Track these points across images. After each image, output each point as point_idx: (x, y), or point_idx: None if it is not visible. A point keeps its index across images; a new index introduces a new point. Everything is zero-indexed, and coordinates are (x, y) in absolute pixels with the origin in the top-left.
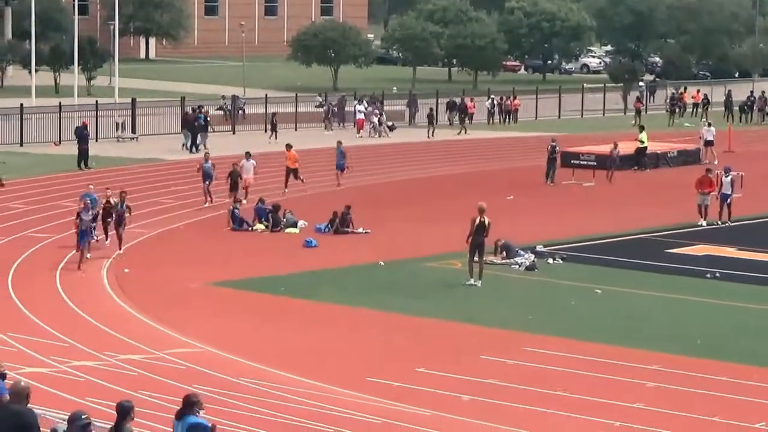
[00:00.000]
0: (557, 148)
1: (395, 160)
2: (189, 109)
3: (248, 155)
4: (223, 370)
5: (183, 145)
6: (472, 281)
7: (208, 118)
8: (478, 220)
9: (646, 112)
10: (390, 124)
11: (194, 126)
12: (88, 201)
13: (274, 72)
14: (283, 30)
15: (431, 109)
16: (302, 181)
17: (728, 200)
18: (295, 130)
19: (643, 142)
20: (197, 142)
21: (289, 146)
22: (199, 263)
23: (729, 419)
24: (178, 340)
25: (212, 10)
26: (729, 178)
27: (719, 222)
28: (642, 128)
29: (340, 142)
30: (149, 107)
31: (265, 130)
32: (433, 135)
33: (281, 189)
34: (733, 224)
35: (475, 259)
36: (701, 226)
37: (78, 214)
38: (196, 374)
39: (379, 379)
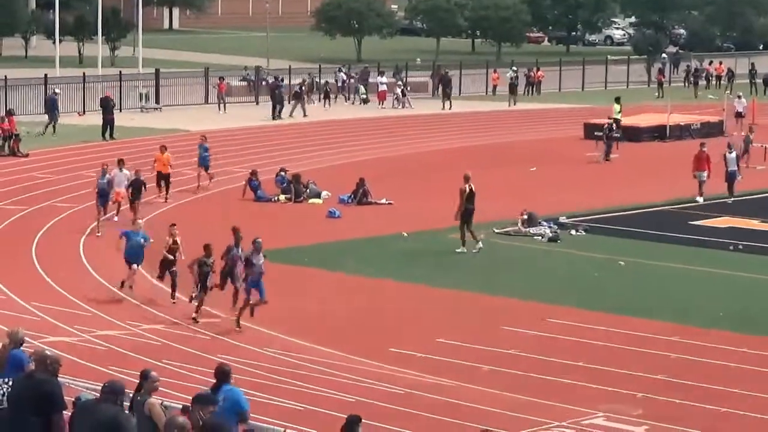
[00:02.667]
0: (613, 127)
1: (419, 130)
2: (271, 78)
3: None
4: (247, 341)
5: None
6: (464, 249)
7: (303, 87)
8: (467, 189)
9: (669, 84)
10: (365, 96)
11: (275, 94)
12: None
13: (297, 43)
14: (306, 1)
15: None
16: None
17: (736, 176)
18: (319, 101)
19: (618, 114)
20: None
21: (164, 148)
22: (222, 233)
23: (750, 391)
24: (202, 309)
25: None
26: (733, 154)
27: (730, 200)
28: (617, 100)
29: (204, 137)
30: (173, 78)
31: (288, 101)
32: (450, 107)
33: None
34: (749, 197)
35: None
36: (697, 202)
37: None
38: (221, 344)
39: (402, 349)
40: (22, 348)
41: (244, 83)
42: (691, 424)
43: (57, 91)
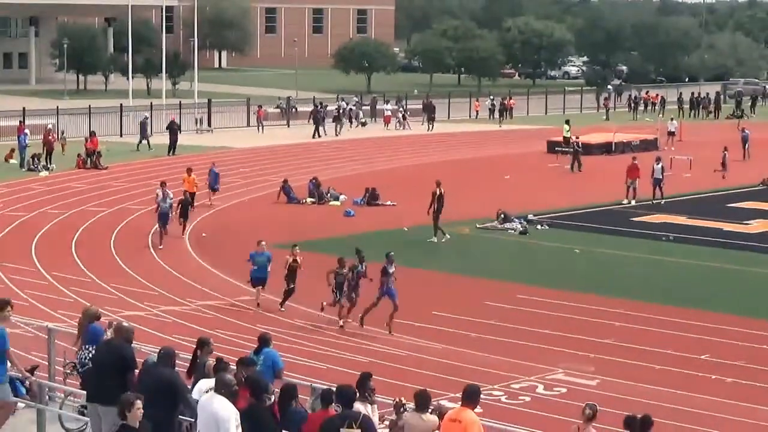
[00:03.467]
0: (580, 144)
1: (416, 147)
2: (317, 104)
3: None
4: (282, 314)
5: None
6: (434, 239)
7: (345, 110)
8: (438, 192)
9: (614, 109)
10: (363, 120)
11: (317, 117)
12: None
13: (320, 78)
14: (327, 45)
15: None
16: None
17: (660, 184)
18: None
19: (567, 133)
20: (320, 130)
21: (189, 170)
22: (263, 229)
23: (680, 351)
24: (246, 290)
25: (271, 29)
26: (660, 165)
27: (653, 202)
28: (567, 122)
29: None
30: (222, 106)
31: (308, 121)
32: (432, 129)
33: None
34: (678, 198)
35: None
36: (627, 204)
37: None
38: (261, 317)
39: (404, 320)
40: (99, 322)
41: (278, 110)
42: (634, 378)
43: (146, 115)
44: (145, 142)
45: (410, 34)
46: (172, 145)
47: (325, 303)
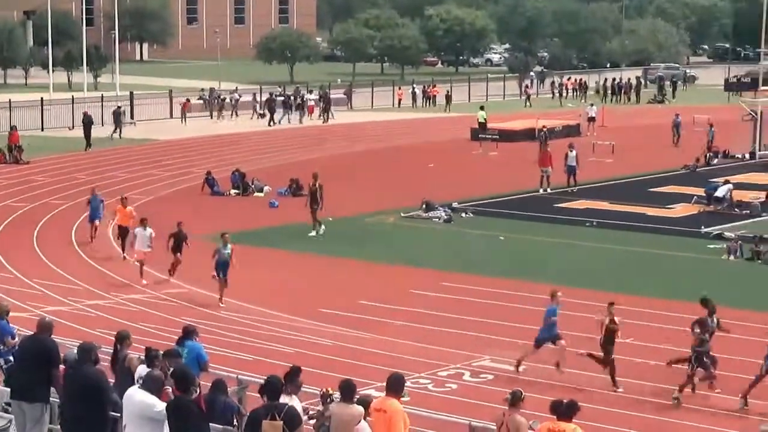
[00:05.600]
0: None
1: (340, 137)
2: (269, 94)
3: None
4: (207, 306)
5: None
6: (314, 233)
7: (299, 100)
8: (316, 185)
9: (537, 95)
10: (261, 112)
11: (271, 106)
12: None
13: (242, 69)
14: (249, 35)
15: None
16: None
17: (575, 171)
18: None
19: (483, 119)
20: (275, 118)
21: (125, 200)
22: (187, 222)
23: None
24: (172, 282)
25: (193, 20)
26: (574, 153)
27: (570, 189)
28: (482, 107)
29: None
30: (144, 98)
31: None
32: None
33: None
34: (601, 184)
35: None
36: (540, 193)
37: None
38: (186, 309)
39: (330, 309)
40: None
41: (201, 101)
42: (562, 363)
43: (120, 105)
44: (118, 131)
45: (332, 24)
46: (87, 139)
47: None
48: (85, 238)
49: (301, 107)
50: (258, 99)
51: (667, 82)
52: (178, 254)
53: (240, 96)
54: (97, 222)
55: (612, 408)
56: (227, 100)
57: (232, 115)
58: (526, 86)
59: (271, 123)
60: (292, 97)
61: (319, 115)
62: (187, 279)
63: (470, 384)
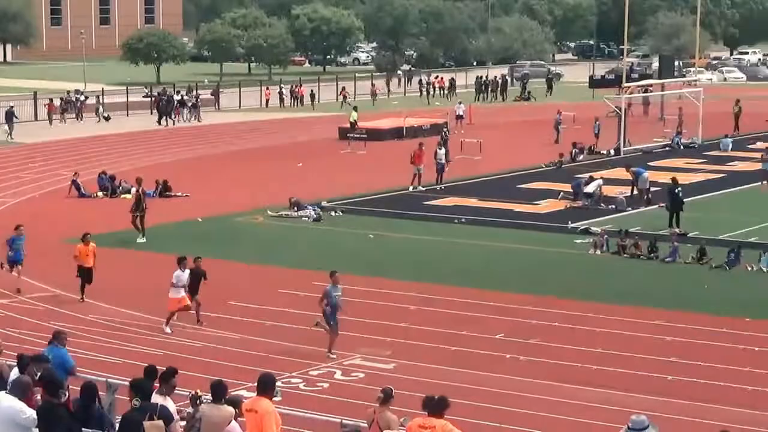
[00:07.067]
0: (447, 132)
1: (207, 138)
2: (157, 94)
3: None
4: (75, 310)
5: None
6: (143, 239)
7: (192, 101)
8: (142, 190)
9: (405, 94)
10: (106, 115)
11: (159, 107)
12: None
13: (108, 70)
14: (115, 36)
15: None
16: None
17: (443, 168)
18: (127, 116)
19: (353, 119)
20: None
21: (87, 239)
22: (53, 224)
23: (475, 332)
24: (38, 286)
25: (57, 21)
26: (443, 150)
27: (438, 187)
28: (355, 108)
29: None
30: (7, 100)
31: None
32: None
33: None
34: (469, 181)
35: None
36: (410, 190)
37: None
38: (55, 313)
39: (193, 311)
40: None
41: (67, 104)
42: (431, 360)
43: (11, 104)
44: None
45: (198, 24)
46: None
47: None
48: None
49: (194, 106)
50: (101, 101)
51: (534, 80)
52: (197, 296)
53: (86, 97)
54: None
55: (484, 403)
56: (74, 101)
57: (77, 117)
58: (387, 82)
59: (163, 123)
60: (184, 97)
61: (191, 117)
62: (54, 283)
63: (341, 383)
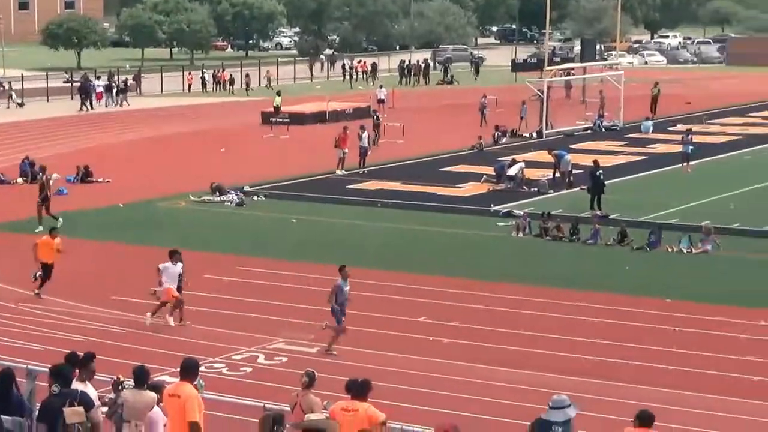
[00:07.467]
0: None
1: (130, 123)
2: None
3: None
4: (3, 299)
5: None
6: (41, 228)
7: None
8: (46, 177)
9: (328, 78)
10: (20, 101)
11: (86, 90)
12: None
13: (28, 55)
14: (34, 21)
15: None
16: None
17: (366, 152)
18: (47, 101)
19: (278, 104)
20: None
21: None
22: None
23: (397, 315)
24: None
25: None
26: (366, 134)
27: (361, 171)
28: (278, 93)
29: None
30: None
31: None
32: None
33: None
34: (392, 165)
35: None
36: (336, 173)
37: None
38: None
39: (122, 297)
40: None
41: None
42: (353, 343)
43: None
44: None
45: (120, 9)
46: None
47: None
48: None
49: (123, 91)
50: (12, 87)
51: (457, 64)
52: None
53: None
54: None
55: (407, 386)
56: None
57: None
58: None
59: (83, 108)
60: (111, 82)
61: (120, 102)
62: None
63: (265, 367)
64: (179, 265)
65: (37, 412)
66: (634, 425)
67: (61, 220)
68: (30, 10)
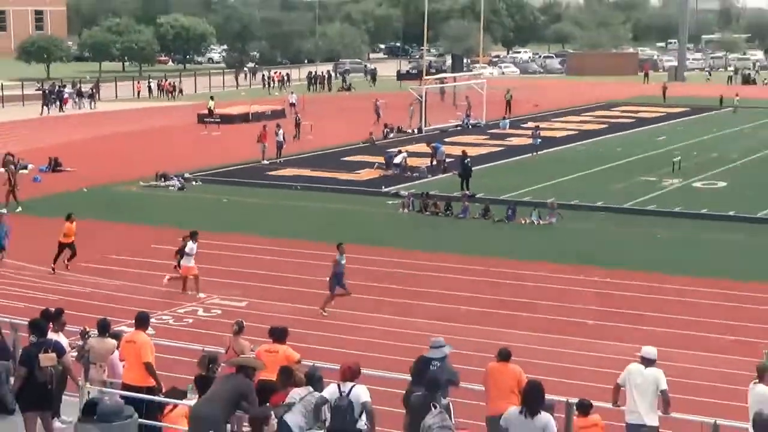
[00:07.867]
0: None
1: (89, 123)
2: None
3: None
4: None
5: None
6: (3, 210)
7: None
8: (10, 165)
9: (250, 86)
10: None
11: (44, 97)
12: None
13: (6, 68)
14: (11, 40)
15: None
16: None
17: (282, 146)
18: (23, 106)
19: (210, 107)
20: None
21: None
22: None
23: (308, 276)
24: None
25: None
26: (281, 131)
27: (278, 160)
28: (212, 97)
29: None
30: None
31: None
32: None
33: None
34: (304, 155)
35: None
36: (262, 163)
37: None
38: None
39: (86, 263)
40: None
41: None
42: (275, 299)
43: None
44: None
45: (81, 30)
46: None
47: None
48: None
49: (91, 96)
50: None
51: (353, 74)
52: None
53: None
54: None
55: (315, 331)
56: None
57: None
58: (237, 77)
59: (43, 112)
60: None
61: (90, 104)
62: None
63: (203, 318)
64: (196, 245)
65: (18, 357)
66: (497, 360)
67: (20, 207)
68: (7, 31)
